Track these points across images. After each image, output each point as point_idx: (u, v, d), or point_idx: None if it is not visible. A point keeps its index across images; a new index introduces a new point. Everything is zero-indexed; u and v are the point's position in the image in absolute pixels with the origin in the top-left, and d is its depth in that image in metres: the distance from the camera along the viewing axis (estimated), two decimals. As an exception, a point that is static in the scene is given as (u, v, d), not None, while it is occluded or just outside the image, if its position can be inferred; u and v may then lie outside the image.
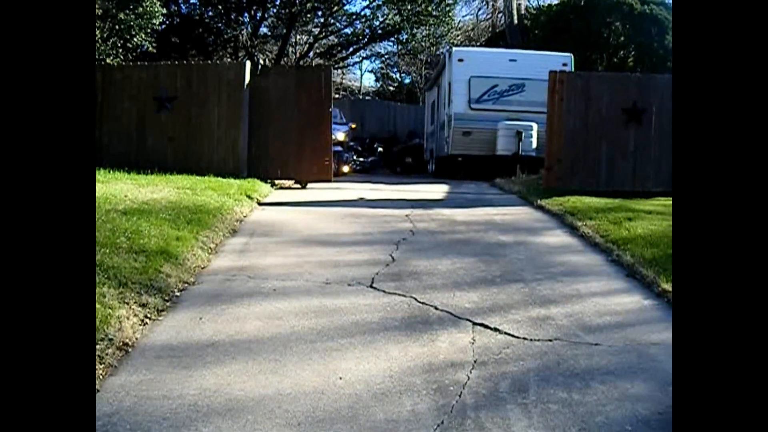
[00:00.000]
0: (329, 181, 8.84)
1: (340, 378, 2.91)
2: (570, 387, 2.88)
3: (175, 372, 2.95)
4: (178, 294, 4.01)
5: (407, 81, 27.23)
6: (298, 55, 22.26)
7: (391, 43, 21.42)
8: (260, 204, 7.15)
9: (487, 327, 3.57)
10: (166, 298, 3.88)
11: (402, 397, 2.75)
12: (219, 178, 7.87)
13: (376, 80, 28.49)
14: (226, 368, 3.01)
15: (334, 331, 3.47)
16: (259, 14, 19.56)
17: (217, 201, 6.38)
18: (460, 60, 11.25)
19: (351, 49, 21.34)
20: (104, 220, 5.00)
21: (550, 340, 3.42)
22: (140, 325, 3.46)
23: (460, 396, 2.77)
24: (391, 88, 27.47)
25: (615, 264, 4.92)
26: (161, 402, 2.66)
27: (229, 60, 18.61)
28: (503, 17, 19.25)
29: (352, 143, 16.33)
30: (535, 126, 10.47)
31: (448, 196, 8.69)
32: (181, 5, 18.33)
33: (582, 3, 14.93)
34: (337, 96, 28.27)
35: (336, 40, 21.79)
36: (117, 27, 12.79)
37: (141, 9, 13.08)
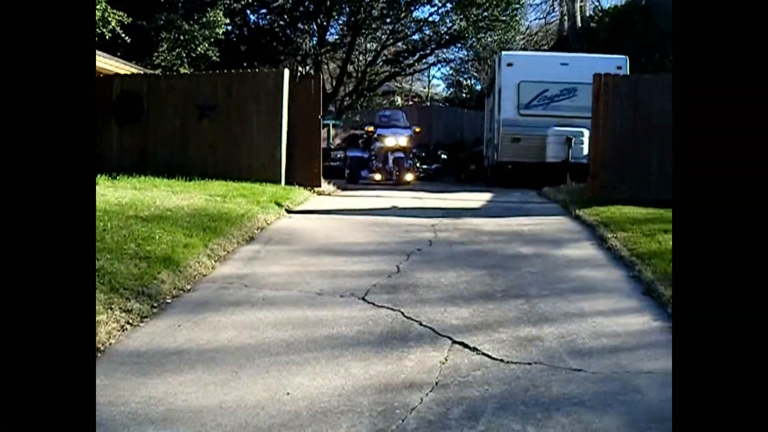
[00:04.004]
0: (318, 186, 9.03)
1: (287, 393, 2.82)
2: (528, 418, 2.64)
3: (130, 379, 2.97)
4: (169, 301, 4.05)
5: (478, 87, 26.80)
6: (365, 62, 22.44)
7: (457, 48, 21.15)
8: (289, 212, 7.18)
9: (466, 346, 3.37)
10: (155, 304, 3.93)
11: (341, 417, 2.62)
12: (256, 185, 8.00)
13: (447, 87, 28.24)
14: (182, 377, 2.99)
15: (304, 344, 3.39)
16: (325, 22, 19.89)
17: (243, 208, 6.47)
18: (510, 64, 10.91)
19: (417, 56, 21.26)
20: (122, 226, 5.17)
21: (529, 364, 3.18)
22: (118, 330, 3.51)
23: (403, 421, 2.60)
24: (463, 95, 27.11)
25: (635, 280, 4.54)
26: (102, 408, 2.66)
27: (301, 69, 19.06)
28: (566, 20, 18.57)
29: (415, 149, 15.83)
30: (586, 132, 9.94)
31: (487, 204, 8.41)
32: (249, 15, 18.90)
33: (643, 2, 14.06)
34: (409, 103, 28.33)
35: (404, 46, 21.78)
36: (182, 37, 13.36)
37: (205, 19, 13.61)
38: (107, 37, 9.12)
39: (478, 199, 8.99)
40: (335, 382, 2.94)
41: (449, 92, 27.50)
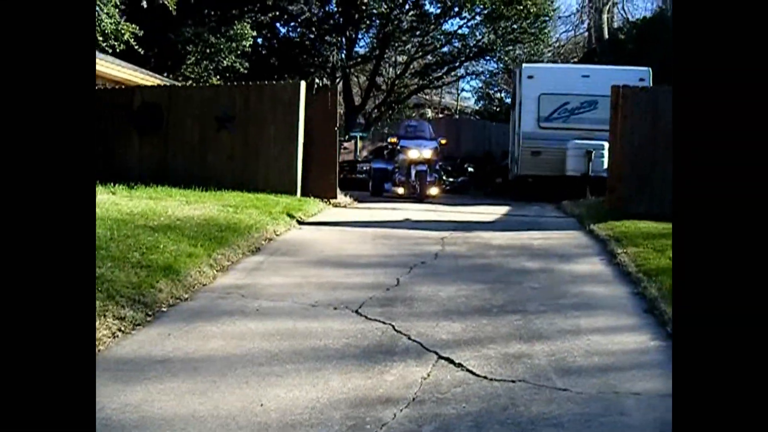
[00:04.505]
0: (334, 198, 8.99)
1: (261, 405, 2.81)
2: (501, 437, 2.58)
3: (111, 385, 2.99)
4: (164, 309, 4.09)
5: (508, 100, 26.60)
6: (394, 75, 22.53)
7: (485, 61, 21.08)
8: (301, 223, 7.21)
9: (451, 362, 3.31)
10: (150, 312, 3.97)
11: (310, 430, 2.60)
12: (270, 196, 8.06)
13: (478, 100, 28.09)
14: (162, 385, 3.01)
15: (288, 356, 3.38)
16: (354, 35, 20.06)
17: (253, 219, 6.52)
18: (530, 77, 10.81)
19: (446, 69, 21.27)
20: (129, 235, 5.26)
21: (513, 381, 3.10)
22: (109, 337, 3.55)
23: (371, 436, 2.57)
24: (494, 108, 26.95)
25: (638, 297, 4.41)
26: (77, 416, 2.70)
27: (326, 81, 19.25)
28: (593, 32, 18.36)
29: (442, 162, 14.46)
30: (606, 145, 9.75)
31: (502, 218, 8.31)
32: (279, 28, 19.19)
33: (669, 14, 13.72)
34: (440, 116, 28.32)
35: (432, 59, 21.81)
36: (208, 50, 13.65)
37: (232, 32, 13.88)
38: (119, 50, 9.38)
39: (494, 212, 8.90)
40: (311, 394, 2.92)
41: (479, 105, 27.35)
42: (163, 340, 3.58)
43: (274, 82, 9.25)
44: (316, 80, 9.44)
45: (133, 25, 9.22)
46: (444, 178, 14.57)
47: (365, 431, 2.60)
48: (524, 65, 11.71)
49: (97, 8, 8.02)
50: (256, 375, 3.13)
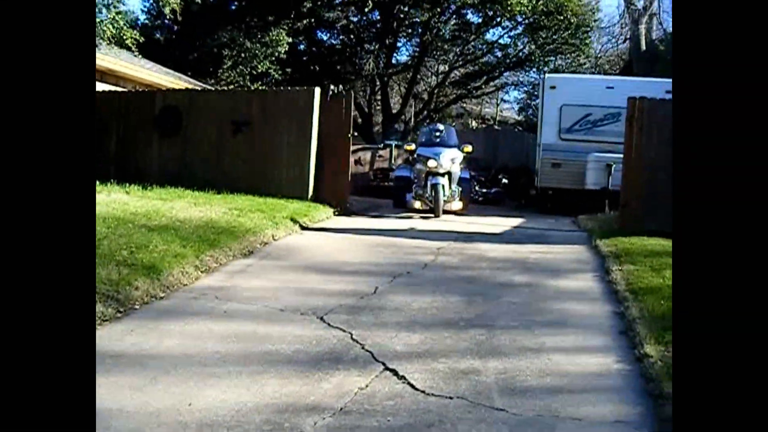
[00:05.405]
0: (345, 204, 8.92)
1: (189, 404, 2.84)
2: (413, 453, 2.52)
3: (56, 379, 3.08)
4: (137, 307, 4.18)
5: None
6: (436, 82, 22.51)
7: (525, 72, 20.82)
8: (304, 228, 7.26)
9: (395, 374, 3.27)
10: (122, 309, 4.07)
11: (225, 433, 2.61)
12: (281, 201, 8.15)
13: (520, 110, 27.75)
14: (104, 380, 3.06)
15: (236, 358, 3.40)
16: (393, 42, 20.18)
17: (254, 223, 6.60)
18: (553, 87, 10.60)
19: (485, 78, 21.12)
20: (124, 234, 5.42)
21: (450, 398, 3.02)
22: (72, 331, 3.67)
23: (284, 443, 2.56)
24: (535, 119, 26.53)
25: (619, 317, 4.24)
26: (11, 406, 2.79)
27: (339, 89, 19.42)
28: (629, 43, 17.86)
29: (474, 173, 13.05)
30: (627, 159, 9.46)
31: (511, 230, 8.14)
32: (320, 35, 19.47)
33: None
34: (483, 125, 28.11)
35: (472, 68, 21.70)
36: (243, 55, 13.97)
37: (267, 38, 14.18)
38: (133, 48, 9.69)
39: (505, 224, 8.73)
40: (243, 397, 2.93)
41: (521, 116, 27.02)
42: (124, 336, 3.67)
43: (290, 88, 9.37)
44: (332, 87, 9.38)
45: (134, 31, 9.55)
46: (477, 188, 13.91)
47: (280, 438, 2.59)
48: (547, 75, 11.52)
49: (103, 14, 8.32)
50: (198, 375, 3.17)
